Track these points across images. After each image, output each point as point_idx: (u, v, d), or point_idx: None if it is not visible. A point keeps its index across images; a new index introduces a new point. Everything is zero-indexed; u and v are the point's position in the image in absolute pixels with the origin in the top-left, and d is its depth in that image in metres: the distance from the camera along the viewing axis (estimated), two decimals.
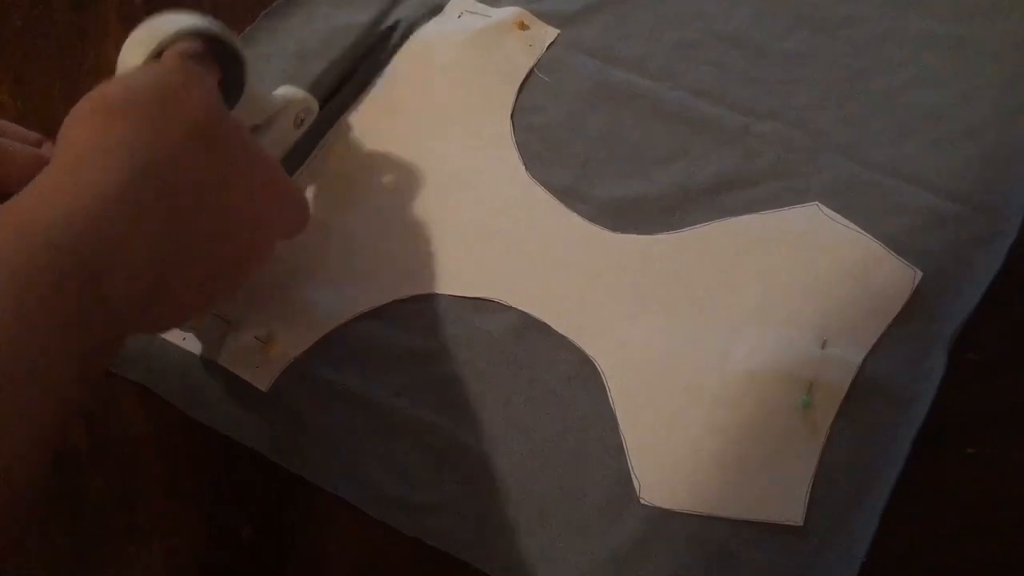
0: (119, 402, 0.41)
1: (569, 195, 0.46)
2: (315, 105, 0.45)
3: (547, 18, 0.52)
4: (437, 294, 0.43)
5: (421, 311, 0.43)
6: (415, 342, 0.42)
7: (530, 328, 0.42)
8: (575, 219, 0.45)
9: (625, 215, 0.45)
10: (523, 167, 0.47)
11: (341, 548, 0.37)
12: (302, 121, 0.44)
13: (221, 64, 0.38)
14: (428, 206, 0.46)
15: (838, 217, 0.44)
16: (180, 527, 0.38)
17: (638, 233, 0.45)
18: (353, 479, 0.38)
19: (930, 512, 0.37)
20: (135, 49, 0.36)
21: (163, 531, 0.38)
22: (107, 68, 0.49)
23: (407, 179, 0.47)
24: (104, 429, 0.40)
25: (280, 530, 0.38)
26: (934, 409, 0.39)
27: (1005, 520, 0.37)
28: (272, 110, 0.43)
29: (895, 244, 0.43)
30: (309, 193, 0.47)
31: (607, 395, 0.40)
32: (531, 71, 0.50)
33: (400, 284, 0.43)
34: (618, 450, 0.39)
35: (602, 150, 0.48)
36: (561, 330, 0.42)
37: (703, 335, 0.41)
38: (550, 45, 0.51)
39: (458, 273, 0.43)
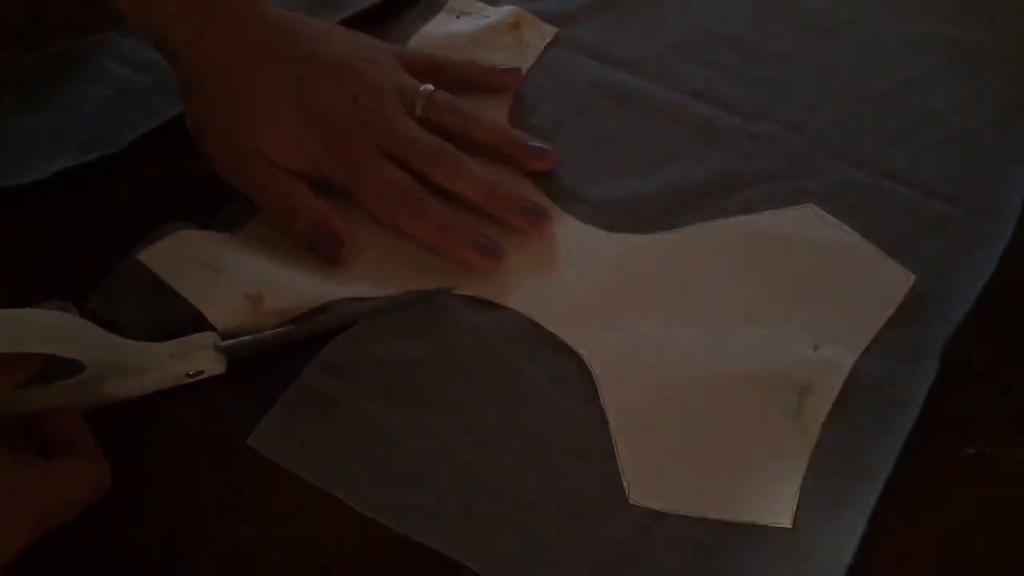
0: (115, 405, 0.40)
1: (565, 195, 0.46)
2: (220, 367, 0.39)
3: (545, 18, 0.52)
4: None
5: (413, 310, 0.42)
6: (406, 340, 0.41)
7: (522, 327, 0.42)
8: (570, 219, 0.45)
9: (620, 215, 0.45)
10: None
11: (340, 547, 0.37)
12: (199, 373, 0.39)
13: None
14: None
15: (832, 219, 0.44)
16: (179, 529, 0.38)
17: (633, 233, 0.44)
18: (342, 475, 0.38)
19: (930, 512, 0.37)
20: None
21: (162, 533, 0.38)
22: None
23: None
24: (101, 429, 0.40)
25: (279, 532, 0.37)
26: (934, 409, 0.39)
27: (1005, 520, 0.37)
28: (164, 360, 0.38)
29: (889, 246, 0.43)
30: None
31: (598, 395, 0.40)
32: (528, 70, 0.50)
33: (392, 279, 0.43)
34: (608, 451, 0.38)
35: (598, 150, 0.48)
36: (553, 329, 0.41)
37: (695, 336, 0.41)
38: (548, 45, 0.51)
39: (451, 271, 0.43)
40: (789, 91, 0.49)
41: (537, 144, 0.46)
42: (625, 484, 0.37)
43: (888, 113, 0.48)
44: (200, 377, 0.39)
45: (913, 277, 0.42)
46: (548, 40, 0.51)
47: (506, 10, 0.52)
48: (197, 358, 0.39)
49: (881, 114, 0.48)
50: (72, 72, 0.50)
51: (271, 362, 0.40)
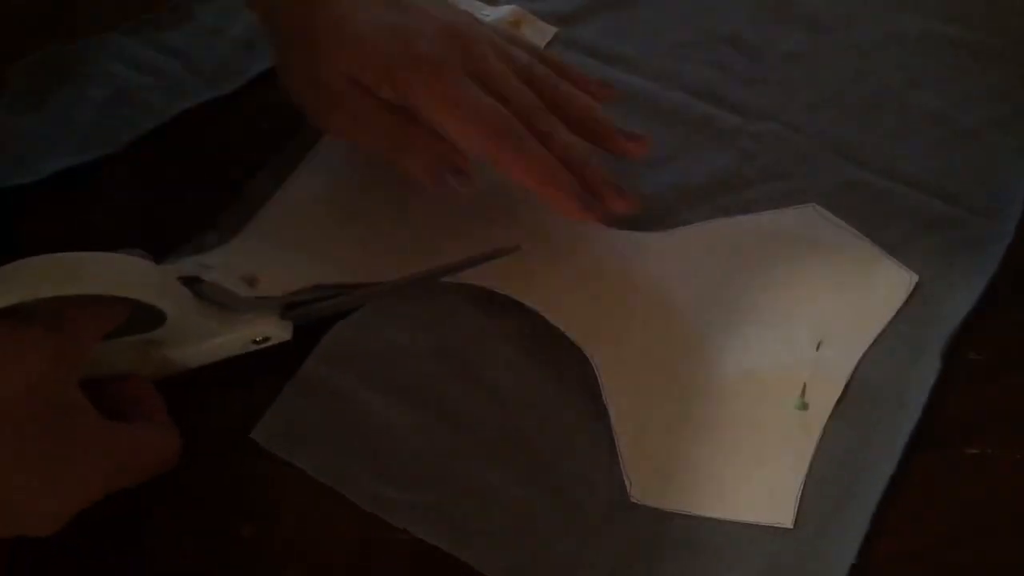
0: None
1: None
2: (287, 333, 0.39)
3: (545, 17, 0.52)
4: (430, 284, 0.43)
5: (413, 304, 0.42)
6: (408, 333, 0.41)
7: (525, 323, 0.42)
8: None
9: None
10: None
11: (340, 547, 0.37)
12: (265, 340, 0.39)
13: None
14: (423, 202, 0.45)
15: (834, 219, 0.44)
16: (180, 525, 0.38)
17: (633, 232, 0.44)
18: (344, 471, 0.38)
19: (930, 512, 0.37)
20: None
21: (162, 530, 0.38)
22: None
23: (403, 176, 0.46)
24: None
25: (280, 530, 0.37)
26: (934, 409, 0.39)
27: (1005, 520, 0.37)
28: (232, 323, 0.38)
29: (891, 246, 0.43)
30: (317, 180, 0.46)
31: (601, 392, 0.40)
32: None
33: (392, 266, 0.43)
34: (611, 449, 0.38)
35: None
36: (557, 325, 0.41)
37: (697, 335, 0.41)
38: (547, 44, 0.51)
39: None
40: (790, 91, 0.49)
41: (631, 131, 0.44)
42: (627, 483, 0.37)
43: (889, 113, 0.48)
44: (266, 344, 0.38)
45: (916, 277, 0.42)
46: (548, 39, 0.51)
47: (506, 9, 0.52)
48: (264, 324, 0.38)
49: (882, 114, 0.48)
50: (72, 72, 0.50)
51: (273, 353, 0.40)
